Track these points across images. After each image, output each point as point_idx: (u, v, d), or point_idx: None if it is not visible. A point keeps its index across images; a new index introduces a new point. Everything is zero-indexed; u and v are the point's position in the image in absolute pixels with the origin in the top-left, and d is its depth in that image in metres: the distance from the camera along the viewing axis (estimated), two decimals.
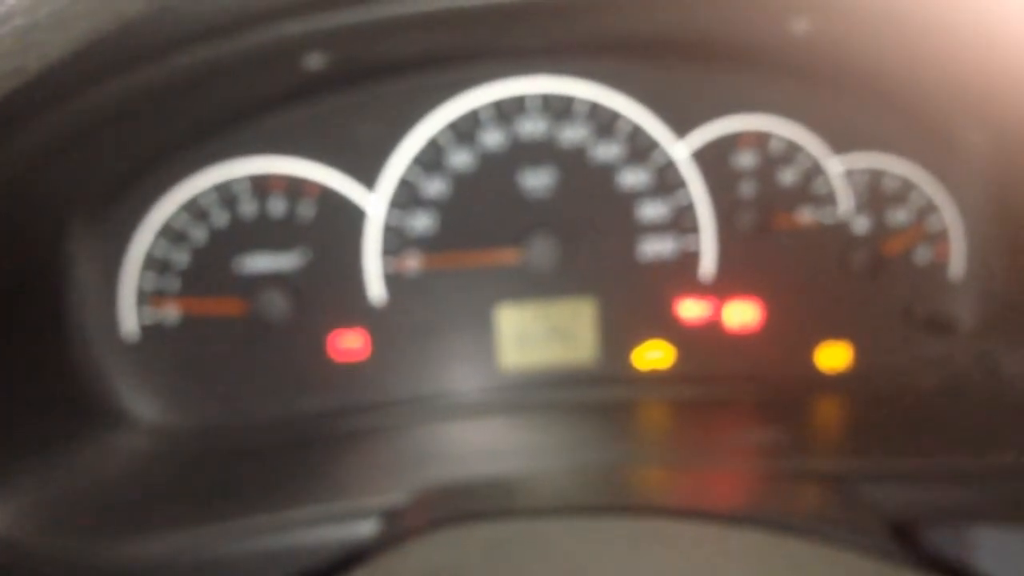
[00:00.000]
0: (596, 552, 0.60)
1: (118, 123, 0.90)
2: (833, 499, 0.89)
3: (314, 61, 0.90)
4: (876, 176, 1.18)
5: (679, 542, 0.63)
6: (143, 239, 1.09)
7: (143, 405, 1.10)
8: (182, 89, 0.87)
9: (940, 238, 1.19)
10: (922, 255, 1.19)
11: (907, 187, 1.18)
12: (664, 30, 1.05)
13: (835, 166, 1.17)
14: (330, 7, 0.81)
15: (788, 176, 1.17)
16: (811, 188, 1.17)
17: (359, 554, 0.75)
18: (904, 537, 0.88)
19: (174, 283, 1.10)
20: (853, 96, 1.15)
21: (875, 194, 1.18)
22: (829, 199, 1.18)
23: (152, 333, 1.11)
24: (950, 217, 1.18)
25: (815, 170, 1.17)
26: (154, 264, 1.10)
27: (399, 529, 0.82)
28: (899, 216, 1.18)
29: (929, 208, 1.18)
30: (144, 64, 0.77)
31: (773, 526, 0.68)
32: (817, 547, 0.64)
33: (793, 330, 1.20)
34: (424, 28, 0.92)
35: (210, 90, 0.93)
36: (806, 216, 1.18)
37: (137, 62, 0.77)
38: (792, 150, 1.16)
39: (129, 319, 1.10)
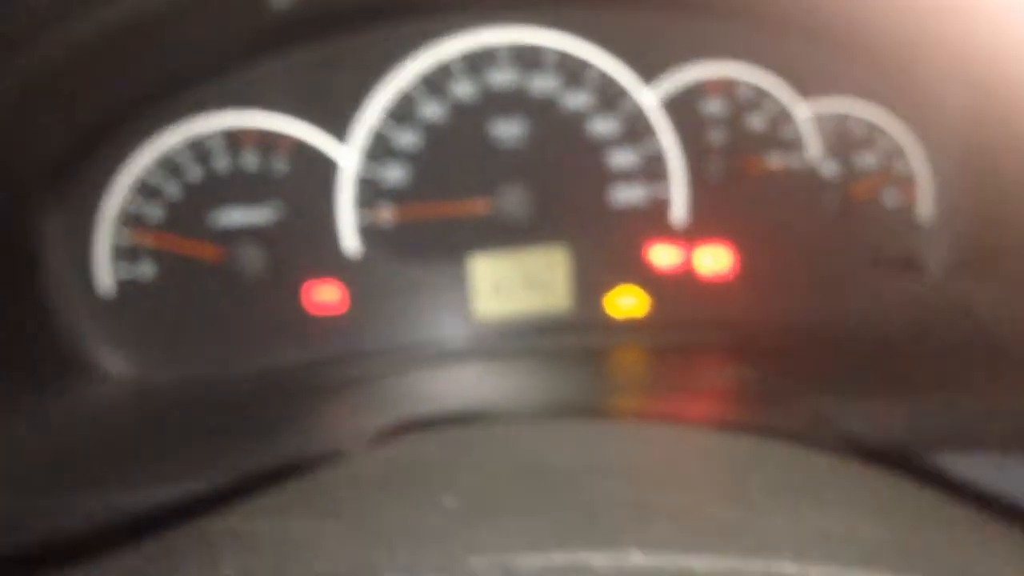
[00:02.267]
0: (560, 447, 0.61)
1: (85, 73, 0.91)
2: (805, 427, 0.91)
3: (277, 2, 0.91)
4: (843, 120, 1.19)
5: (644, 439, 0.64)
6: (117, 195, 1.10)
7: (119, 360, 1.10)
8: (148, 32, 0.87)
9: (907, 181, 1.21)
10: (890, 198, 1.21)
11: (874, 131, 1.19)
12: None
13: (803, 111, 1.18)
14: None
15: (756, 122, 1.18)
16: (779, 133, 1.19)
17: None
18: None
19: (149, 238, 1.11)
20: (820, 41, 1.17)
21: (843, 138, 1.19)
22: (797, 144, 1.19)
23: (128, 288, 1.11)
24: (917, 161, 1.20)
25: (783, 115, 1.18)
26: (129, 220, 1.10)
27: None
28: (867, 160, 1.20)
29: (896, 152, 1.20)
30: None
31: (738, 430, 0.69)
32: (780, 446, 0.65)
33: (765, 275, 1.21)
34: None
35: (178, 37, 0.94)
36: (775, 161, 1.19)
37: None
38: (759, 96, 1.18)
39: (104, 275, 1.10)
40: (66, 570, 0.47)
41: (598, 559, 0.41)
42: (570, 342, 1.18)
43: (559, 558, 0.41)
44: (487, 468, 0.56)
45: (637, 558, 0.41)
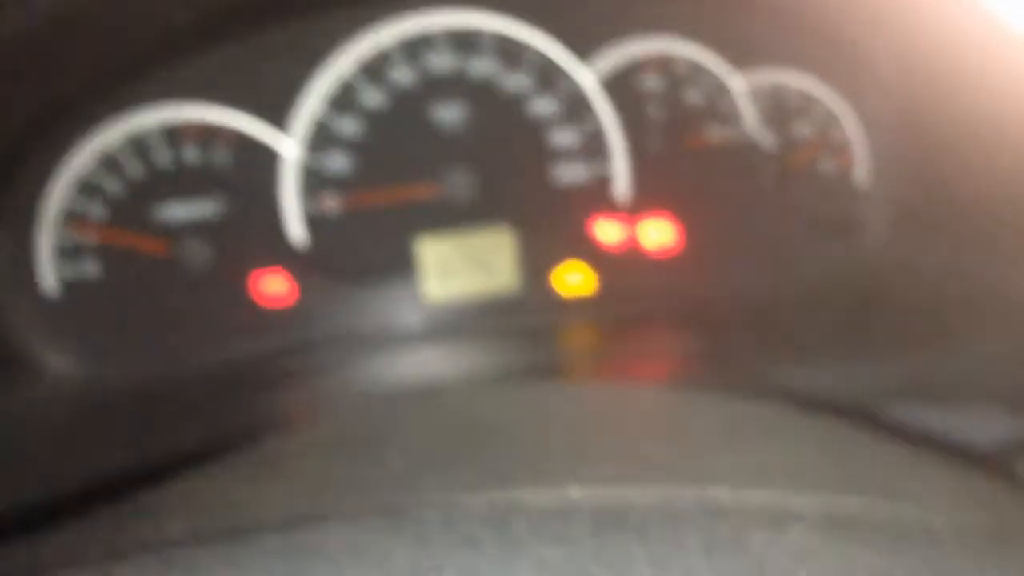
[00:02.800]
0: (505, 406, 0.62)
1: (18, 68, 0.90)
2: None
3: None
4: (778, 91, 1.21)
5: (588, 397, 0.65)
6: (57, 194, 1.09)
7: (67, 358, 1.10)
8: (82, 24, 0.87)
9: (843, 149, 1.23)
10: (827, 166, 1.23)
11: (809, 101, 1.22)
12: None
13: (738, 83, 1.20)
14: None
15: (694, 96, 1.20)
16: (717, 106, 1.21)
17: None
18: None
19: (92, 235, 1.10)
20: (753, 12, 1.19)
21: (779, 109, 1.21)
22: (735, 116, 1.21)
23: (73, 287, 1.10)
24: (852, 128, 1.23)
25: (719, 89, 1.20)
26: (71, 219, 1.09)
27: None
28: (803, 129, 1.22)
29: (831, 120, 1.22)
30: None
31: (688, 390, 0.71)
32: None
33: (710, 247, 1.23)
34: None
35: (112, 28, 0.93)
36: (714, 135, 1.21)
37: None
38: (695, 70, 1.19)
39: (48, 274, 1.09)
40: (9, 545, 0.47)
41: (538, 495, 0.41)
42: (519, 321, 1.19)
43: (499, 497, 0.42)
44: (432, 428, 0.57)
45: (575, 492, 0.42)
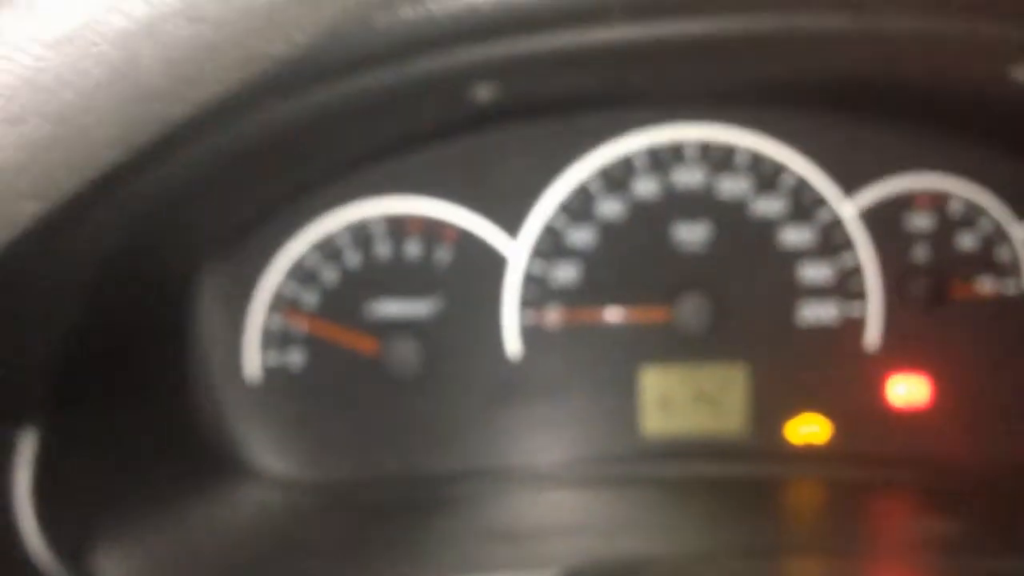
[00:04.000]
0: None
1: (266, 157, 0.85)
2: None
3: (484, 91, 0.83)
4: None
5: None
6: (272, 279, 1.04)
7: (264, 455, 1.04)
8: (341, 121, 0.81)
9: None
10: None
11: None
12: (843, 75, 0.96)
13: (1020, 232, 1.06)
14: (507, 34, 0.75)
15: (967, 241, 1.07)
16: (992, 255, 1.07)
17: None
18: None
19: (303, 323, 1.04)
20: None
21: None
22: (1013, 268, 1.07)
23: (276, 376, 1.05)
24: None
25: (998, 235, 1.07)
26: (282, 304, 1.04)
27: None
28: None
29: None
30: (312, 88, 0.71)
31: None
32: None
33: (967, 411, 1.08)
34: (595, 61, 0.85)
35: (369, 125, 0.87)
36: (986, 286, 1.07)
37: (303, 86, 0.71)
38: (973, 213, 1.06)
39: (253, 362, 1.04)
40: None
41: None
42: (743, 470, 1.07)
43: None
44: None
45: None
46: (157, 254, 0.90)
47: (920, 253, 1.07)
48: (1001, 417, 1.09)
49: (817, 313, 1.07)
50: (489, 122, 1.03)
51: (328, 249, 1.04)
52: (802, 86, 1.02)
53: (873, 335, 1.07)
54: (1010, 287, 1.07)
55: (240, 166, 0.84)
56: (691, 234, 1.06)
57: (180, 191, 0.78)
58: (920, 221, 1.07)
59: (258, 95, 0.71)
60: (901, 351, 1.08)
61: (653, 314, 1.06)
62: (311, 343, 1.05)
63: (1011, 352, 1.08)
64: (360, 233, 1.05)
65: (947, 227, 1.07)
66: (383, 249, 1.05)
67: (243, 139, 0.76)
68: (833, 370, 1.08)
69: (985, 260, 1.07)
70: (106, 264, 0.75)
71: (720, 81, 1.00)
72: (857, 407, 1.09)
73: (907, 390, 1.08)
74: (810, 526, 1.03)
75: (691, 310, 1.06)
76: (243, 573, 0.88)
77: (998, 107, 0.93)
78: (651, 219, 1.06)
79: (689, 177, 1.06)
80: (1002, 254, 1.07)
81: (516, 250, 1.05)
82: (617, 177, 1.05)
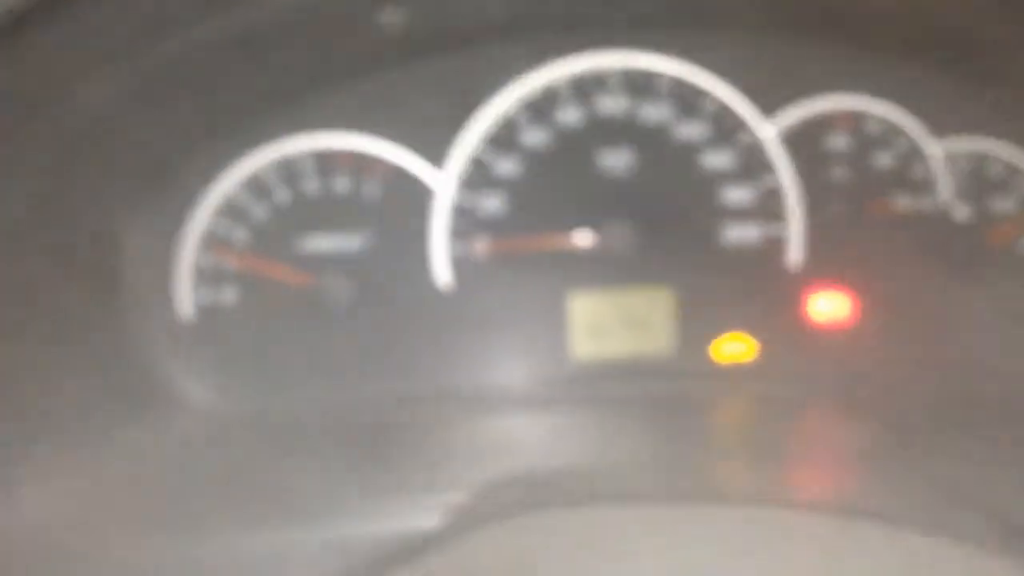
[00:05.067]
0: (642, 545, 0.54)
1: (186, 84, 0.86)
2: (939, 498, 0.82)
3: (389, 15, 0.84)
4: (979, 161, 1.09)
5: (736, 541, 0.57)
6: (202, 216, 1.04)
7: (197, 389, 1.05)
8: (252, 49, 0.82)
9: None
10: None
11: (1012, 173, 1.10)
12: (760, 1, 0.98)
13: (935, 150, 1.09)
14: None
15: (884, 160, 1.09)
16: (908, 173, 1.10)
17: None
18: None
19: (233, 260, 1.05)
20: (956, 77, 1.07)
21: (977, 181, 1.10)
22: (928, 185, 1.10)
23: (209, 314, 1.06)
24: None
25: (913, 154, 1.09)
26: (213, 241, 1.05)
27: (458, 524, 0.76)
28: (1003, 205, 1.10)
29: None
30: (220, 11, 0.72)
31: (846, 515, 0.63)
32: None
33: (887, 325, 1.12)
34: None
35: (280, 55, 0.88)
36: (903, 203, 1.10)
37: (212, 9, 0.72)
38: (889, 132, 1.09)
39: (185, 298, 1.05)
40: None
41: None
42: (671, 389, 1.10)
43: None
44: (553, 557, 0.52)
45: None
46: (84, 190, 0.91)
47: (838, 173, 1.09)
48: (919, 329, 1.12)
49: (740, 234, 1.10)
50: (410, 55, 1.03)
51: (257, 186, 1.05)
52: (720, 9, 1.03)
53: (795, 254, 1.10)
54: (926, 204, 1.10)
55: (156, 96, 0.85)
56: (615, 161, 1.08)
57: (101, 120, 0.79)
58: (838, 141, 1.09)
59: (171, 18, 0.72)
60: (822, 269, 1.10)
61: (580, 240, 1.08)
62: (243, 279, 1.06)
63: (927, 266, 1.11)
64: (288, 170, 1.05)
65: (864, 146, 1.09)
66: (312, 185, 1.06)
67: (157, 66, 0.77)
68: (757, 290, 1.11)
69: (901, 178, 1.10)
70: (33, 200, 0.76)
71: (636, 4, 1.01)
72: (781, 325, 1.11)
73: (829, 307, 1.11)
74: (736, 439, 1.06)
75: (617, 235, 1.08)
76: (175, 500, 0.90)
77: (911, 25, 0.95)
78: (575, 147, 1.08)
79: (612, 105, 1.08)
80: (917, 172, 1.09)
81: (443, 182, 1.06)
82: (540, 107, 1.07)
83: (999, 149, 1.09)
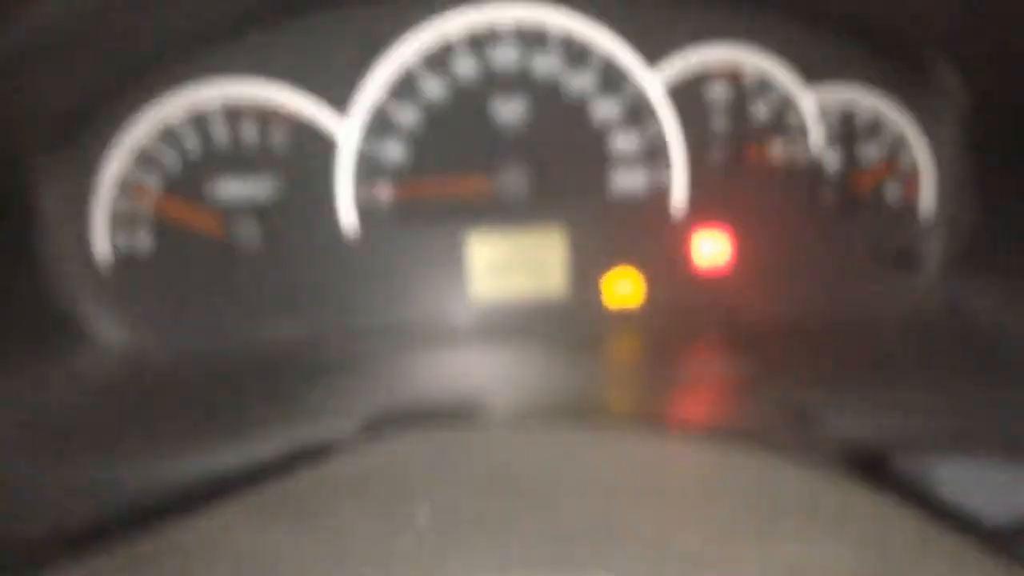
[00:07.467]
0: (539, 459, 0.61)
1: (87, 34, 0.90)
2: (791, 424, 0.91)
3: None
4: (848, 110, 1.18)
5: (624, 451, 0.64)
6: (116, 162, 1.09)
7: (115, 331, 1.11)
8: None
9: (910, 175, 1.20)
10: (892, 192, 1.20)
11: (878, 122, 1.18)
12: None
13: (807, 100, 1.17)
14: None
15: (760, 110, 1.17)
16: (783, 122, 1.18)
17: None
18: (869, 467, 0.90)
19: (148, 204, 1.10)
20: (828, 27, 1.15)
21: (846, 129, 1.18)
22: (801, 133, 1.18)
23: (125, 259, 1.11)
24: (921, 154, 1.19)
25: (787, 104, 1.17)
26: (127, 186, 1.10)
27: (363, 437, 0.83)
28: (870, 152, 1.19)
29: (900, 144, 1.19)
30: None
31: (721, 434, 0.70)
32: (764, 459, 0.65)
33: (765, 268, 1.20)
34: None
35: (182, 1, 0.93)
36: (778, 151, 1.18)
37: None
38: (764, 83, 1.16)
39: (102, 243, 1.10)
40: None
41: None
42: (564, 327, 1.18)
43: None
44: (462, 480, 0.56)
45: None
46: None
47: (719, 123, 1.17)
48: (794, 270, 1.21)
49: (627, 181, 1.17)
50: (317, 4, 1.09)
51: (168, 135, 1.10)
52: None
53: (679, 201, 1.18)
54: (800, 151, 1.18)
55: (61, 47, 0.89)
56: (510, 111, 1.14)
57: (8, 65, 0.83)
58: (718, 92, 1.16)
59: None
60: (704, 215, 1.19)
61: (477, 184, 1.15)
62: (159, 225, 1.12)
63: (801, 212, 1.19)
64: (198, 119, 1.10)
65: (742, 97, 1.16)
66: (221, 134, 1.11)
67: (58, 16, 0.81)
68: (644, 234, 1.19)
69: (777, 127, 1.18)
70: None
71: None
72: (667, 269, 1.20)
73: (711, 251, 1.19)
74: (625, 374, 1.14)
75: (512, 180, 1.15)
76: (92, 439, 0.95)
77: None
78: (472, 98, 1.14)
79: (505, 57, 1.14)
80: (792, 121, 1.17)
81: (347, 130, 1.12)
82: (438, 59, 1.13)
83: (866, 99, 1.17)
